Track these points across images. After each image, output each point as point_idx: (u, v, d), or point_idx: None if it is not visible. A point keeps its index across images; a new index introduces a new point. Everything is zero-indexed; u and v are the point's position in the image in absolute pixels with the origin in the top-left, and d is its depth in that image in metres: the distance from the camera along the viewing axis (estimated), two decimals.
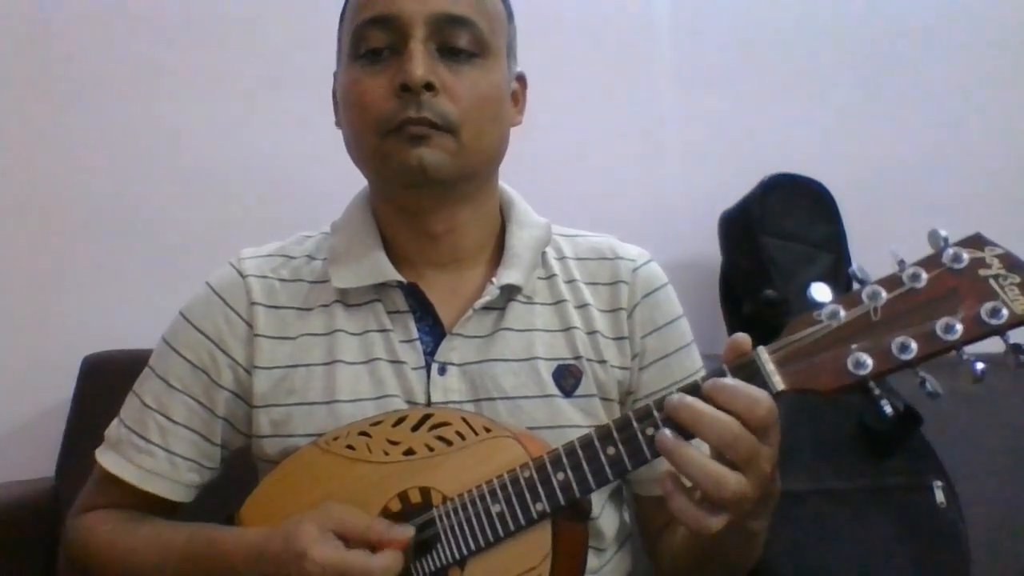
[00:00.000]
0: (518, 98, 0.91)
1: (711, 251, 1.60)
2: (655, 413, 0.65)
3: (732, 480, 0.61)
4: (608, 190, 1.69)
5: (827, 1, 1.77)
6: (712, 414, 0.61)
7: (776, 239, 1.49)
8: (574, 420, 0.83)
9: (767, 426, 0.61)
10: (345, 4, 0.88)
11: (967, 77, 1.76)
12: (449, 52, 0.81)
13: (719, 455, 0.62)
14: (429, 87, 0.78)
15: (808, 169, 1.55)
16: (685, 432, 0.63)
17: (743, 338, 0.65)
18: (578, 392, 0.84)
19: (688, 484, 0.63)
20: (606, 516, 0.86)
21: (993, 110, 1.76)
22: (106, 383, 1.32)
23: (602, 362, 0.86)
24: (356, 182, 0.92)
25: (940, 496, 1.27)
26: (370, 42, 0.81)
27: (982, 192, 1.71)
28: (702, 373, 0.82)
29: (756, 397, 0.61)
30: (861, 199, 1.59)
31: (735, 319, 1.55)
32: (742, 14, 1.75)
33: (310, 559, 0.67)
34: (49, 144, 1.59)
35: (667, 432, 0.63)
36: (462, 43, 0.81)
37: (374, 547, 0.69)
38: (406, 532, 0.70)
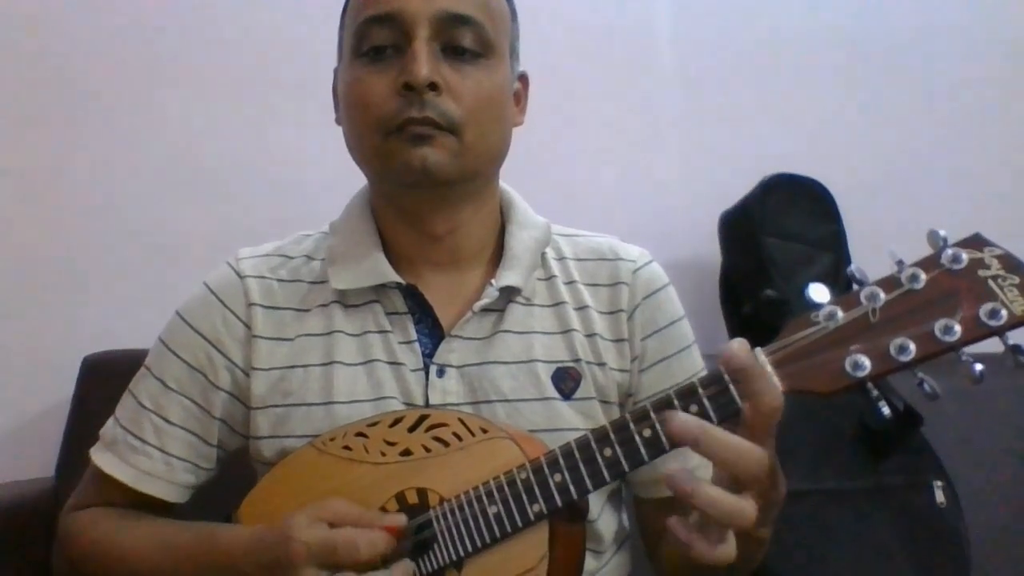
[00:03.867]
0: (520, 98, 0.91)
1: (711, 251, 1.60)
2: (652, 415, 0.65)
3: (748, 509, 0.59)
4: (608, 190, 1.69)
5: (827, 2, 1.77)
6: (718, 432, 0.59)
7: (776, 239, 1.49)
8: (573, 423, 0.82)
9: (774, 420, 0.61)
10: (347, 0, 0.87)
11: (967, 77, 1.76)
12: (453, 51, 0.80)
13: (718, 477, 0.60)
14: (433, 87, 0.77)
15: (808, 169, 1.55)
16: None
17: (741, 343, 0.65)
18: (577, 395, 0.84)
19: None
20: (605, 518, 0.86)
21: (993, 110, 1.75)
22: (106, 383, 1.31)
23: (601, 365, 0.86)
24: (355, 181, 0.92)
25: (940, 496, 1.27)
26: (373, 40, 0.80)
27: (982, 192, 1.71)
28: (703, 374, 0.82)
29: (776, 385, 0.61)
30: (861, 199, 1.59)
31: (735, 319, 1.55)
32: (742, 15, 1.75)
33: (296, 539, 0.67)
34: (49, 144, 1.59)
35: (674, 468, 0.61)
36: (466, 43, 0.80)
37: None
38: (398, 519, 0.70)
